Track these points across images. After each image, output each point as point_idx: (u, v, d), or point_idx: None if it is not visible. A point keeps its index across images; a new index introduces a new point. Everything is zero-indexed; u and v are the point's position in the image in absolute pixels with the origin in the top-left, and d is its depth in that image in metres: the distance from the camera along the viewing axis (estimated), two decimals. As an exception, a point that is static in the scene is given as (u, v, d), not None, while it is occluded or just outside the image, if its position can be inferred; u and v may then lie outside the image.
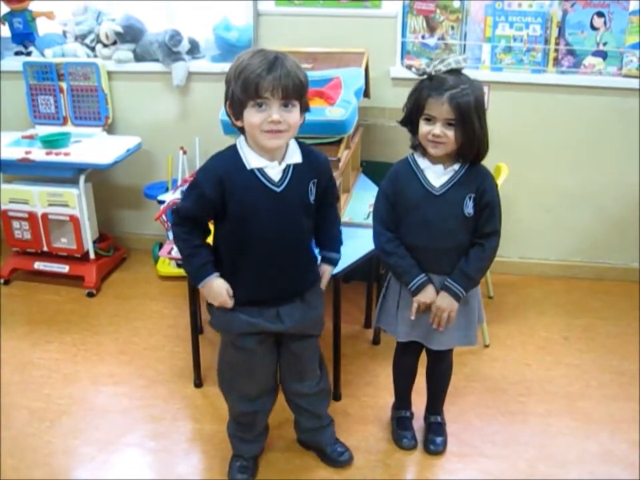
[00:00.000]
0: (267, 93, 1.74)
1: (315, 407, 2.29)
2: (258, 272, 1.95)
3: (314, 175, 1.95)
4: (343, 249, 2.35)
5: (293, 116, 1.81)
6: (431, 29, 3.28)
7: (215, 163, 1.91)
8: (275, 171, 1.88)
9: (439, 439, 2.39)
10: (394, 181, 2.08)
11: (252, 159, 1.87)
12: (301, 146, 1.96)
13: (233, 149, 1.91)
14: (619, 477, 2.29)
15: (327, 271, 2.13)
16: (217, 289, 1.95)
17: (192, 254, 1.95)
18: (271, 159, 1.87)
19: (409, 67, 1.99)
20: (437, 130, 1.92)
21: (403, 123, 2.04)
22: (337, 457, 2.32)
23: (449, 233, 2.03)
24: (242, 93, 1.76)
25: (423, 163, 2.04)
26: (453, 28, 3.26)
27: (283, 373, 2.21)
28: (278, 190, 1.88)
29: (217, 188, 1.85)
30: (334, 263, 2.15)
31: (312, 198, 1.95)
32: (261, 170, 1.87)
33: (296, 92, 1.78)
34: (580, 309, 3.34)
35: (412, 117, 1.99)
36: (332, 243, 2.13)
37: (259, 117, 1.77)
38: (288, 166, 1.90)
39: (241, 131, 1.88)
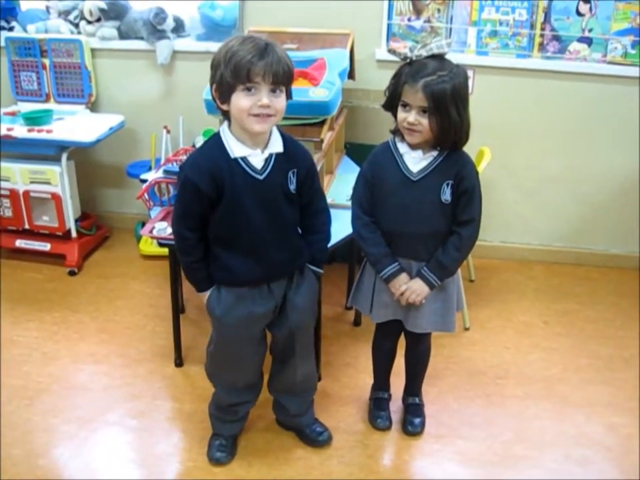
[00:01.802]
0: (258, 78, 1.76)
1: (304, 395, 2.33)
2: (247, 256, 1.97)
3: (293, 165, 1.95)
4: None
5: (281, 101, 1.82)
6: (417, 11, 3.27)
7: (203, 158, 1.91)
8: (257, 159, 1.89)
9: (416, 420, 2.41)
10: (373, 164, 2.08)
11: (235, 148, 1.87)
12: (283, 135, 1.96)
13: (216, 138, 1.92)
14: (594, 459, 2.32)
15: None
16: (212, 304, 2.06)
17: (194, 269, 2.03)
18: (254, 147, 1.88)
19: (392, 52, 1.97)
20: (411, 118, 1.91)
21: (385, 107, 2.03)
22: (315, 437, 2.35)
23: (426, 219, 2.03)
24: (232, 77, 1.76)
25: (402, 147, 2.03)
26: (439, 11, 3.25)
27: (272, 348, 2.25)
28: (260, 178, 1.90)
29: (211, 183, 1.87)
30: (316, 275, 2.17)
31: (292, 187, 1.96)
32: (244, 158, 1.88)
33: (285, 78, 1.80)
34: (560, 294, 3.37)
35: (392, 102, 1.99)
36: (313, 259, 2.13)
37: (248, 100, 1.78)
38: (270, 155, 1.91)
39: (225, 115, 1.88)
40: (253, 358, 2.17)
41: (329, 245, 2.34)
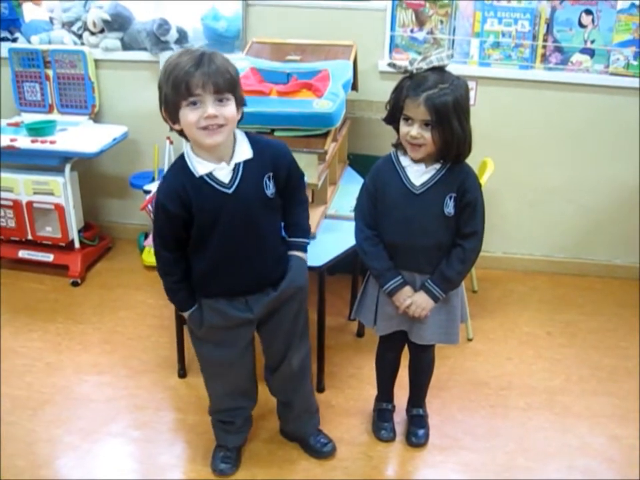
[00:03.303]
0: (198, 89, 1.72)
1: (302, 384, 2.29)
2: (225, 270, 1.95)
3: (268, 169, 1.92)
4: (327, 240, 2.39)
5: (229, 110, 1.78)
6: (420, 22, 3.28)
7: (169, 179, 1.91)
8: (223, 173, 1.86)
9: (420, 432, 2.41)
10: (376, 177, 2.08)
11: (199, 166, 1.85)
12: (252, 139, 1.93)
13: (181, 159, 1.89)
14: (597, 470, 2.32)
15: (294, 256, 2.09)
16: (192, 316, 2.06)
17: (175, 289, 2.02)
18: (219, 160, 1.85)
19: (392, 65, 1.97)
20: (414, 131, 1.90)
21: (387, 121, 2.03)
22: (320, 448, 2.34)
23: (429, 231, 2.02)
24: (173, 93, 1.73)
25: (404, 160, 2.02)
26: (442, 22, 3.27)
27: (267, 355, 2.22)
28: (229, 191, 1.86)
29: (178, 203, 1.85)
30: (301, 248, 2.10)
31: (269, 192, 1.92)
32: (209, 175, 1.85)
33: (228, 85, 1.76)
34: (563, 305, 3.37)
35: (393, 115, 1.98)
36: (295, 228, 2.09)
37: (195, 114, 1.74)
38: (237, 165, 1.87)
39: (182, 134, 1.86)
40: (240, 364, 2.14)
41: (334, 256, 2.36)
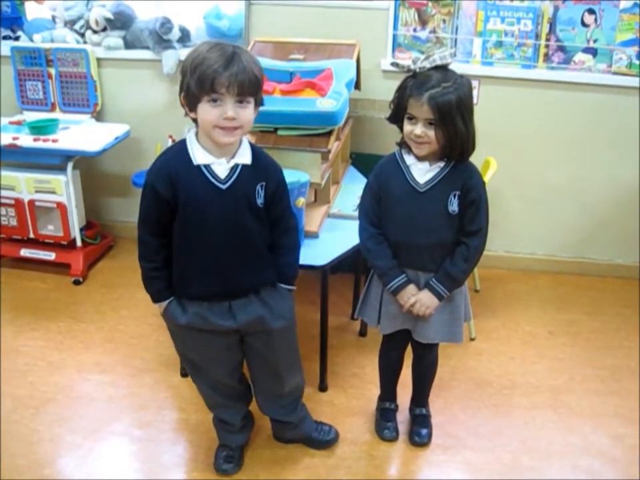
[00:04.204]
0: (222, 89, 1.72)
1: (295, 413, 2.30)
2: (207, 268, 1.92)
3: (262, 178, 1.90)
4: (330, 240, 2.40)
5: (248, 112, 1.78)
6: (423, 21, 3.28)
7: (163, 161, 1.88)
8: (221, 168, 1.84)
9: (423, 431, 2.41)
10: (380, 176, 2.08)
11: (199, 155, 1.84)
12: (253, 148, 1.93)
13: (181, 144, 1.88)
14: (600, 470, 2.32)
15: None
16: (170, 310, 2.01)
17: (153, 277, 1.97)
18: (219, 156, 1.84)
19: (395, 64, 1.96)
20: (418, 130, 1.90)
21: (391, 120, 2.02)
22: (325, 437, 2.36)
23: (433, 229, 2.02)
24: (197, 87, 1.73)
25: (408, 159, 2.02)
26: (444, 21, 3.26)
27: (252, 376, 2.21)
28: (223, 187, 1.85)
29: (168, 186, 1.83)
30: (288, 292, 2.08)
31: (259, 201, 1.90)
32: (207, 166, 1.84)
33: (252, 88, 1.76)
34: (565, 304, 3.37)
35: (397, 114, 1.98)
36: (280, 274, 2.04)
37: (214, 112, 1.74)
38: (236, 165, 1.86)
39: (195, 122, 1.85)
40: (220, 363, 2.12)
41: (336, 255, 2.35)
